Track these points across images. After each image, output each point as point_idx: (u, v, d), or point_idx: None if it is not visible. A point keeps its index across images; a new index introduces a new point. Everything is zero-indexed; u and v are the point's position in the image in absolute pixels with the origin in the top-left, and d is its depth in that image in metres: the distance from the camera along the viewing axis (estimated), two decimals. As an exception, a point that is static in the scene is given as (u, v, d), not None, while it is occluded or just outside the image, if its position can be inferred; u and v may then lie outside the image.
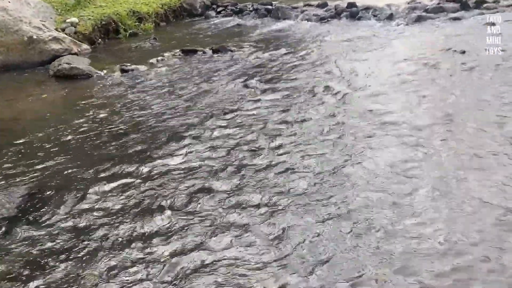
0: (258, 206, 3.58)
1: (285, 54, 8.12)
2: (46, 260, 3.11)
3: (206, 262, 2.99)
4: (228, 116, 5.47)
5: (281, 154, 4.42)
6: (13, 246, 3.27)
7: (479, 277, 2.70)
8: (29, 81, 7.98)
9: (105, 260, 3.07)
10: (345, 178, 3.90)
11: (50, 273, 2.98)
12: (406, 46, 7.90)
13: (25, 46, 8.91)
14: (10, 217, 3.59)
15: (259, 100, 5.93)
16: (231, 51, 8.67)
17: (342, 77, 6.54)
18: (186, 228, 3.37)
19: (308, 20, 10.82)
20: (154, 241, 3.25)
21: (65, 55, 8.71)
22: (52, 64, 8.32)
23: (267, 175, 4.05)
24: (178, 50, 8.99)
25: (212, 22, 11.88)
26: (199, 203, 3.68)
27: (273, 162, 4.25)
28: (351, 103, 5.55)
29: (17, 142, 5.11)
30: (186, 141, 4.85)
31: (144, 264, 3.01)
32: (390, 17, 9.94)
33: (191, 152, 4.60)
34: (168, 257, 3.06)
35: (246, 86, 6.51)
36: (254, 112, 5.53)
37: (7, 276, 2.97)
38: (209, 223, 3.40)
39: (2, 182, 4.17)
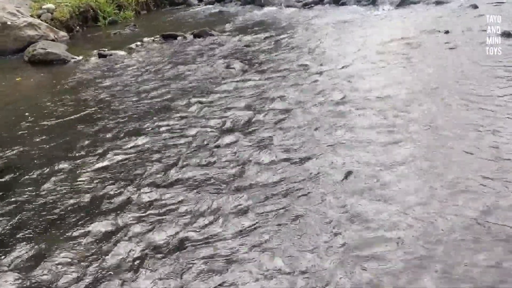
0: (227, 180, 3.41)
1: (267, 37, 7.95)
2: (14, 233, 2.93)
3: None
4: (206, 95, 5.29)
5: (254, 129, 4.25)
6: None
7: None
8: (3, 67, 7.70)
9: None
10: (316, 147, 3.75)
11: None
12: (389, 28, 7.78)
13: (-2, 32, 8.63)
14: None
15: (239, 80, 5.76)
16: (213, 35, 8.47)
17: (324, 58, 6.40)
18: (158, 200, 3.20)
19: (291, 6, 10.68)
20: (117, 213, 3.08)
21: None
22: (27, 49, 8.06)
23: (239, 148, 3.88)
24: (158, 36, 8.78)
25: (194, 10, 11.69)
26: (170, 177, 3.51)
27: (246, 137, 4.08)
28: (332, 81, 5.40)
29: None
30: (159, 121, 4.66)
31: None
32: (374, 2, 9.83)
33: (163, 130, 4.41)
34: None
35: (227, 67, 6.33)
36: (234, 91, 5.36)
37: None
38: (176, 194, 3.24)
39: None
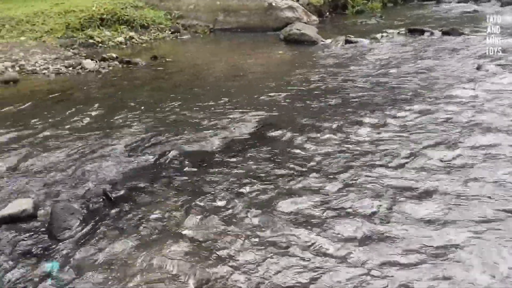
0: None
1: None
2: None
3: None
4: (456, 92, 5.08)
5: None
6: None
7: None
8: (263, 41, 8.93)
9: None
10: None
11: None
12: None
13: (264, 11, 9.97)
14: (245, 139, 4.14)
15: (492, 82, 5.34)
16: (464, 34, 8.01)
17: None
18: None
19: None
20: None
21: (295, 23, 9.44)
22: (284, 29, 9.11)
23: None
24: (403, 29, 8.77)
25: (444, 7, 11.18)
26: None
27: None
28: None
29: (246, 87, 5.82)
30: (418, 104, 4.69)
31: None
32: None
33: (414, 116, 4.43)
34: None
35: (477, 68, 5.95)
36: (486, 93, 5.02)
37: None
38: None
39: (240, 116, 4.78)
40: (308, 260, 2.36)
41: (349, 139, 3.94)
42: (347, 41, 8.08)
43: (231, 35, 9.92)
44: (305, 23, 9.77)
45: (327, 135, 4.03)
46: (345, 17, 10.71)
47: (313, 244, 2.49)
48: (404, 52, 7.26)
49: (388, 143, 3.81)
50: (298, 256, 2.39)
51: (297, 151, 3.74)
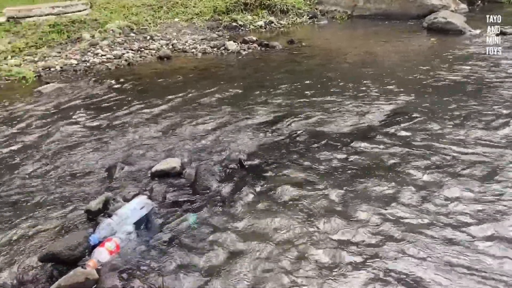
0: None
1: None
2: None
3: None
4: None
5: None
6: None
7: None
8: (402, 29, 8.59)
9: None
10: None
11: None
12: None
13: (407, -2, 9.56)
14: (375, 125, 4.13)
15: None
16: None
17: None
18: None
19: None
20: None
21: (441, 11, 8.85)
22: (428, 17, 8.63)
23: None
24: None
25: None
26: None
27: None
28: None
29: (380, 74, 5.70)
30: None
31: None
32: None
33: None
34: None
35: None
36: None
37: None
38: None
39: (371, 102, 4.77)
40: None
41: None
42: (502, 33, 7.34)
43: (369, 22, 9.73)
44: (452, 11, 9.12)
45: (474, 133, 3.74)
46: (500, 7, 9.69)
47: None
48: None
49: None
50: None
51: (433, 143, 3.59)
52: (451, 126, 3.88)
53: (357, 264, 2.25)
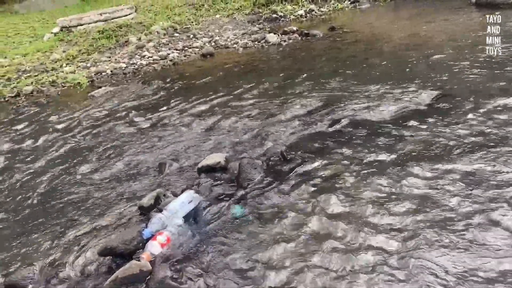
0: None
1: None
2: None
3: None
4: None
5: None
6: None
7: None
8: (449, 7, 8.24)
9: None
10: None
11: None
12: None
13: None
14: (421, 110, 4.05)
15: None
16: None
17: None
18: None
19: None
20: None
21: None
22: (477, -8, 8.22)
23: None
24: None
25: None
26: None
27: None
28: None
29: (424, 57, 5.52)
30: None
31: None
32: None
33: None
34: None
35: None
36: None
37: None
38: None
39: (416, 87, 4.66)
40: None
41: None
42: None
43: (413, 2, 9.42)
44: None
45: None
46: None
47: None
48: None
49: None
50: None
51: (481, 128, 3.47)
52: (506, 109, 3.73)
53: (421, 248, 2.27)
